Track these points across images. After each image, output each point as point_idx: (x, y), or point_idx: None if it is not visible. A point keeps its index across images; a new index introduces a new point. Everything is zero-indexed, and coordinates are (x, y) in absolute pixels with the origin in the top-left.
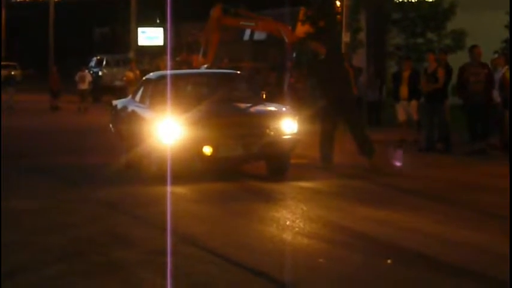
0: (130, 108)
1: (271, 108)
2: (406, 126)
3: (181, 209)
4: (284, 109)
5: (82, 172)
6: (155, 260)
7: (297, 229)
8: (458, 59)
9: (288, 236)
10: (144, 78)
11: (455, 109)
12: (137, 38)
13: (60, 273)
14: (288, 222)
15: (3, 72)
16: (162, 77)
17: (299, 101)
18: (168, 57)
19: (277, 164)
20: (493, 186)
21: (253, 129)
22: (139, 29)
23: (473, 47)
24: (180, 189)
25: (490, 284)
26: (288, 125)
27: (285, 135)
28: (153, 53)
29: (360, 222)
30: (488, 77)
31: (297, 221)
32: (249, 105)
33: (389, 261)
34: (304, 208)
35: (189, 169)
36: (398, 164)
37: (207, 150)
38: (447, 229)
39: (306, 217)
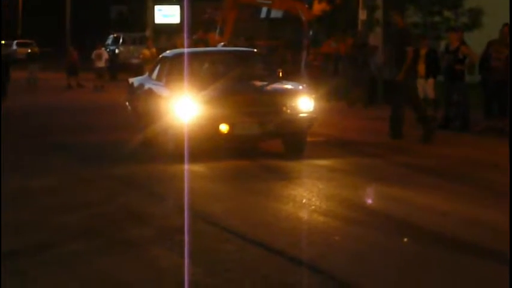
0: (146, 86)
1: (288, 86)
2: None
3: (198, 186)
4: (301, 87)
5: (98, 150)
6: (172, 237)
7: (313, 207)
8: (475, 37)
9: (304, 214)
10: (160, 56)
11: (475, 87)
12: (154, 15)
13: (77, 251)
14: (304, 200)
15: (22, 50)
16: (179, 55)
17: (316, 79)
18: (185, 35)
19: (293, 142)
20: (508, 165)
21: (269, 107)
22: (156, 7)
23: (504, 25)
24: (197, 167)
25: (504, 262)
26: (304, 103)
27: (301, 113)
28: (169, 31)
29: (375, 200)
30: (510, 57)
31: (313, 199)
32: (265, 83)
33: (405, 239)
34: (320, 186)
35: (206, 147)
36: None
37: (224, 128)
38: (462, 208)
39: (322, 195)
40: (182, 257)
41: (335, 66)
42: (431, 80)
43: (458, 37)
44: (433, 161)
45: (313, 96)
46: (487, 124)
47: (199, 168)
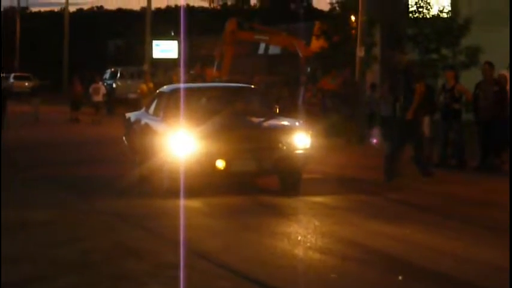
0: (143, 121)
1: (284, 122)
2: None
3: (193, 222)
4: (297, 123)
5: (94, 184)
6: (166, 273)
7: (308, 244)
8: (472, 76)
9: (299, 251)
10: (157, 91)
11: (472, 124)
12: (151, 50)
13: (70, 286)
14: (299, 237)
15: (20, 83)
16: (176, 90)
17: (314, 116)
18: (182, 70)
19: (289, 178)
20: (505, 202)
21: (266, 143)
22: (154, 42)
23: (484, 63)
24: (193, 203)
25: None
26: (301, 139)
27: (298, 149)
28: (167, 66)
29: (372, 238)
30: (498, 95)
31: (309, 236)
32: (262, 119)
33: (400, 277)
34: (316, 223)
35: (202, 183)
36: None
37: (220, 164)
38: (459, 246)
39: (318, 232)
40: None
41: (332, 103)
42: (427, 118)
43: (453, 75)
44: (429, 199)
45: (310, 132)
46: (485, 165)
47: (195, 203)
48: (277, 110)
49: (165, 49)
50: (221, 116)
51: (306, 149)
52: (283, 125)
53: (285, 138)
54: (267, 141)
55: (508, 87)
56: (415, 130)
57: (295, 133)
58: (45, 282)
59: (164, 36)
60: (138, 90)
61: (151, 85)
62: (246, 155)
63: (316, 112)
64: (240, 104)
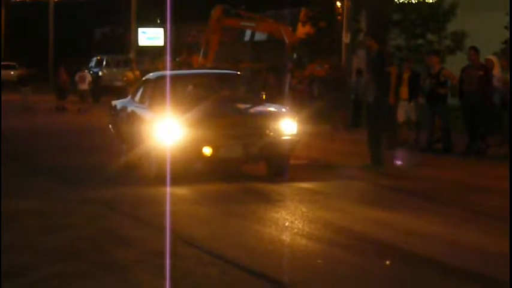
0: (129, 109)
1: (271, 108)
2: (405, 127)
3: (180, 209)
4: (284, 110)
5: (81, 172)
6: (154, 260)
7: (295, 230)
8: (458, 60)
9: (286, 237)
10: (143, 78)
11: (459, 109)
12: (137, 38)
13: (58, 274)
14: (286, 223)
15: (4, 72)
16: (162, 77)
17: (300, 102)
18: (168, 57)
19: (276, 165)
20: (492, 187)
21: (253, 130)
22: (140, 30)
23: (469, 49)
24: (180, 190)
25: (489, 286)
26: (287, 125)
27: (284, 136)
28: (153, 54)
29: (358, 223)
30: (483, 79)
31: (296, 221)
32: (248, 105)
33: (387, 262)
34: (303, 209)
35: (189, 170)
36: (399, 162)
37: (207, 151)
38: (446, 230)
39: (305, 218)
40: (164, 280)
41: (319, 90)
42: (413, 103)
43: (438, 60)
44: (415, 184)
45: (296, 118)
46: (471, 149)
47: (182, 191)
48: (264, 96)
49: (151, 36)
50: (208, 102)
51: (292, 135)
52: (270, 111)
53: (272, 125)
54: (254, 127)
55: (494, 71)
56: (390, 115)
57: (282, 119)
58: (32, 271)
59: (150, 23)
60: (124, 78)
61: (137, 73)
62: (232, 141)
63: (302, 99)
64: (227, 91)
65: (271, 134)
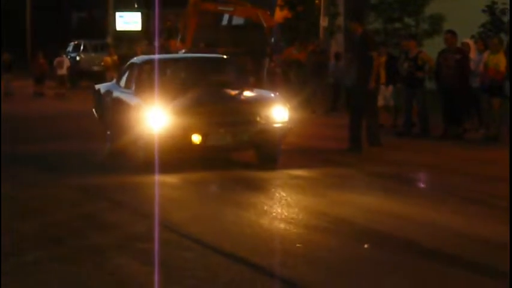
0: (115, 94)
1: (262, 95)
2: (384, 111)
3: (162, 195)
4: (274, 96)
5: (63, 159)
6: (133, 245)
7: (274, 214)
8: (435, 44)
9: (265, 221)
10: (129, 62)
11: (436, 93)
12: (115, 22)
13: (37, 260)
14: (265, 208)
15: None
16: (149, 62)
17: (278, 87)
18: (157, 42)
19: (267, 152)
20: (469, 171)
21: (243, 117)
22: (117, 14)
23: (446, 32)
24: (166, 177)
25: (463, 266)
26: (278, 112)
27: (275, 123)
28: (131, 38)
29: (337, 208)
30: (460, 62)
31: (275, 206)
32: (238, 91)
33: (366, 245)
34: (283, 194)
35: (178, 158)
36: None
37: (196, 138)
38: (423, 213)
39: (284, 202)
40: (144, 265)
41: (296, 74)
42: (390, 87)
43: (416, 44)
44: (393, 168)
45: (288, 105)
46: (448, 133)
47: (167, 178)
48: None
49: (128, 21)
50: (196, 88)
51: (283, 122)
52: (260, 98)
53: (263, 111)
54: (244, 114)
55: (471, 55)
56: (371, 99)
57: (273, 106)
58: (11, 257)
59: (128, 7)
60: (102, 63)
61: (115, 57)
62: (222, 129)
63: (279, 83)
64: (215, 76)
65: (262, 121)
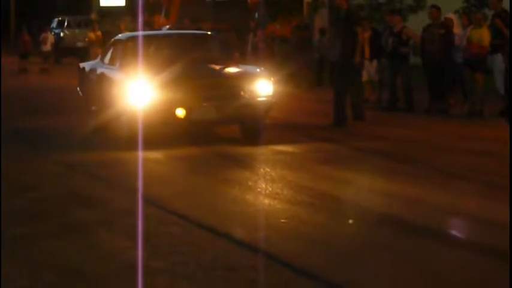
0: (99, 71)
1: (246, 69)
2: (368, 86)
3: (146, 170)
4: (258, 70)
5: (48, 135)
6: (117, 220)
7: (259, 189)
8: (419, 19)
9: (250, 197)
10: (113, 39)
11: (420, 68)
12: None
13: (21, 236)
14: (250, 183)
15: None
16: (133, 38)
17: (262, 61)
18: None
19: (251, 127)
20: (454, 146)
21: (227, 91)
22: None
23: (431, 7)
24: (150, 153)
25: (452, 244)
26: (263, 86)
27: (260, 97)
28: (115, 14)
29: (322, 183)
30: (444, 37)
31: (259, 181)
32: (222, 66)
33: (350, 221)
34: (267, 169)
35: (161, 132)
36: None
37: (180, 112)
38: (408, 188)
39: (269, 178)
40: (129, 240)
41: (280, 49)
42: (375, 62)
43: (401, 19)
44: (378, 143)
45: (272, 79)
46: (433, 108)
47: (152, 154)
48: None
49: None
50: (180, 63)
51: (268, 97)
52: (245, 72)
53: (247, 86)
54: (228, 88)
55: (455, 30)
56: (355, 74)
57: (257, 80)
58: None
59: None
60: (86, 39)
61: (99, 33)
62: (206, 103)
63: (264, 58)
64: (199, 52)
65: (246, 95)
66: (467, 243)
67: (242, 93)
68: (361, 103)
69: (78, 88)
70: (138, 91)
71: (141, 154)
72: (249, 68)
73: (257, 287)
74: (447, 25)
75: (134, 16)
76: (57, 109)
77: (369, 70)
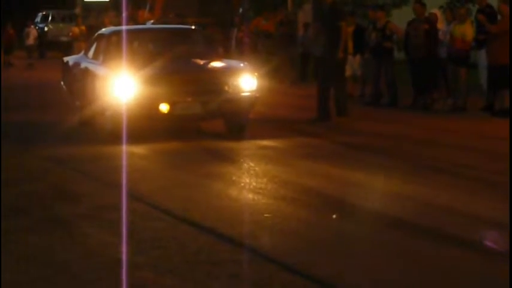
0: (83, 65)
1: (230, 64)
2: (351, 81)
3: (130, 165)
4: (242, 65)
5: (32, 130)
6: (101, 215)
7: (242, 184)
8: (403, 15)
9: (234, 192)
10: (97, 33)
11: (404, 63)
12: None
13: (6, 229)
14: (234, 178)
15: None
16: (116, 33)
17: (247, 56)
18: (125, 13)
19: (235, 121)
20: (439, 141)
21: (211, 86)
22: None
23: (414, 2)
24: (134, 148)
25: (433, 237)
26: (247, 81)
27: (244, 92)
28: (99, 9)
29: (306, 178)
30: (428, 32)
31: (243, 176)
32: (206, 61)
33: (334, 216)
34: (251, 164)
35: (145, 127)
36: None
37: (164, 107)
38: (391, 183)
39: (253, 172)
40: (112, 235)
41: (264, 44)
42: (358, 57)
43: (384, 14)
44: (363, 138)
45: (256, 74)
46: (417, 103)
47: (135, 148)
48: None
49: None
50: (164, 58)
51: (252, 91)
52: (229, 67)
53: (231, 80)
54: (212, 83)
55: (439, 25)
56: (339, 69)
57: (241, 75)
58: None
59: None
60: (70, 34)
61: (83, 28)
62: (190, 98)
63: (248, 53)
64: (183, 46)
65: (230, 90)
66: (446, 236)
67: (226, 88)
68: (345, 98)
69: (61, 82)
70: (122, 86)
71: (125, 149)
72: (233, 62)
73: (240, 281)
74: (431, 20)
75: (118, 11)
76: (41, 104)
77: (353, 65)
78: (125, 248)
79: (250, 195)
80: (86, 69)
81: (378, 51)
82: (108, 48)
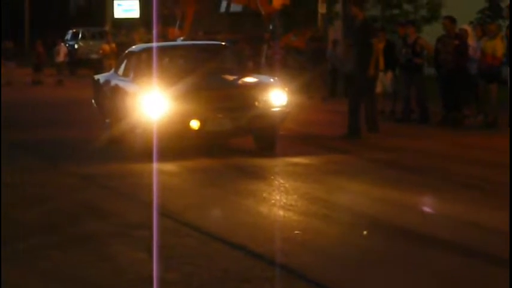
0: (113, 82)
1: (259, 79)
2: (382, 98)
3: (160, 182)
4: (272, 80)
5: (63, 147)
6: (131, 233)
7: (273, 201)
8: (434, 30)
9: (264, 209)
10: (127, 51)
11: (434, 79)
12: (113, 10)
13: (34, 247)
14: (264, 195)
15: None
16: (146, 50)
17: (277, 72)
18: (155, 30)
19: (265, 137)
20: (469, 157)
21: (241, 102)
22: (115, 2)
23: (444, 18)
24: (164, 165)
25: (466, 255)
26: (276, 96)
27: (274, 107)
28: (129, 26)
29: (336, 194)
30: (458, 48)
31: (274, 193)
32: (236, 77)
33: (364, 232)
34: (281, 180)
35: (176, 144)
36: None
37: (195, 124)
38: (422, 200)
39: (283, 189)
40: (142, 251)
41: (294, 61)
42: (389, 73)
43: (415, 30)
44: (392, 154)
45: (286, 89)
46: (447, 119)
47: (166, 165)
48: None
49: (127, 9)
50: (194, 75)
51: (282, 107)
52: (258, 83)
53: (261, 96)
54: (242, 99)
55: (469, 41)
56: (370, 85)
57: (271, 90)
58: (9, 244)
59: None
60: (100, 51)
61: (113, 45)
62: (220, 114)
63: (278, 69)
64: (213, 63)
65: (260, 105)
66: (482, 253)
67: (256, 103)
68: (376, 114)
69: (92, 100)
70: (152, 103)
71: (155, 166)
72: (263, 78)
73: None
74: (461, 36)
75: (148, 28)
76: (71, 121)
77: (383, 81)
78: (155, 265)
79: (281, 212)
80: (116, 87)
81: (408, 67)
82: (139, 65)
